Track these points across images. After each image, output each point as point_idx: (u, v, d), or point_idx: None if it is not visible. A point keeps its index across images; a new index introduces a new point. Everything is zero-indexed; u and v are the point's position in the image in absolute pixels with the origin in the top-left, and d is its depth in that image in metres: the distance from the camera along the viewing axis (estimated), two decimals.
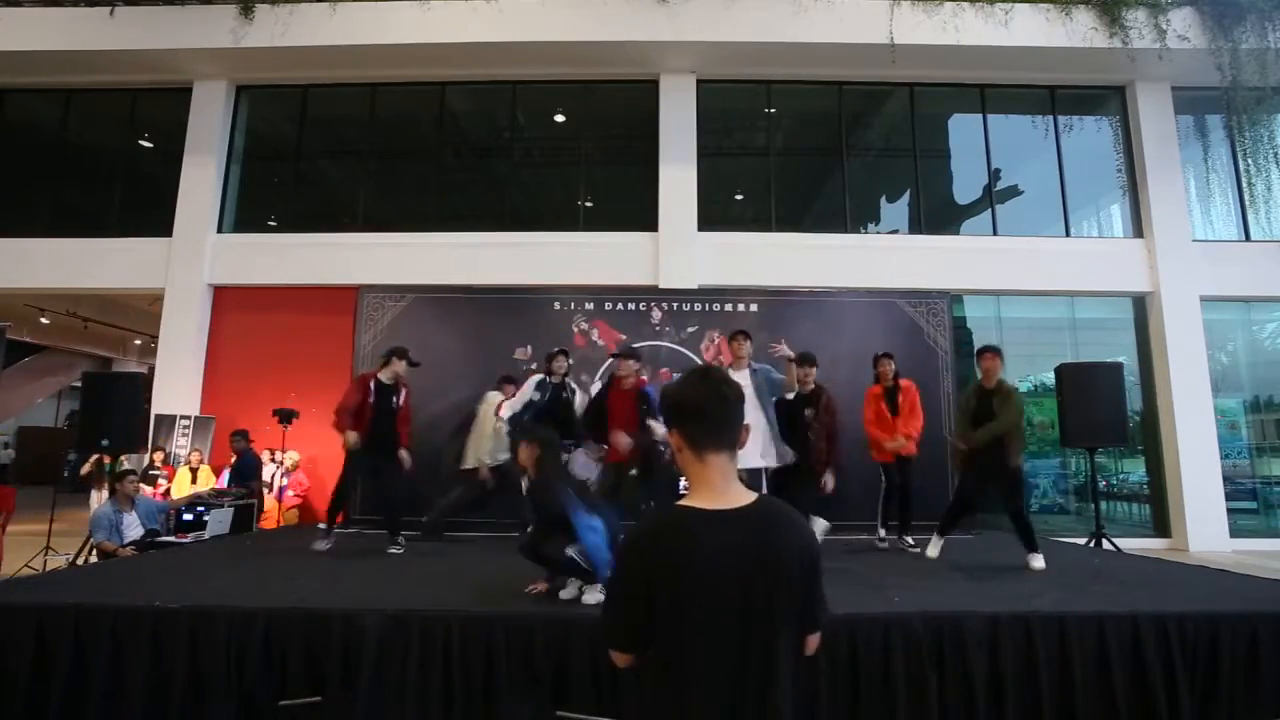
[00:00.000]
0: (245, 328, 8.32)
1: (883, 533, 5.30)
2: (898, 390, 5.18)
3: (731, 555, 1.14)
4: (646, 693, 1.18)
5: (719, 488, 1.20)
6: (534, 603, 3.07)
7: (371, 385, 4.81)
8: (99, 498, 6.89)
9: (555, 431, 3.60)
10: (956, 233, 8.89)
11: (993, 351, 4.60)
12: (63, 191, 9.08)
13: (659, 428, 4.47)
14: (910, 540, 5.09)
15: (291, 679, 2.67)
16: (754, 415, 4.78)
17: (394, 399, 4.88)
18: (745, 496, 1.21)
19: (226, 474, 7.09)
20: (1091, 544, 6.09)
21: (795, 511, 1.23)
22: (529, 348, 6.74)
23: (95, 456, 7.21)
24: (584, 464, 5.22)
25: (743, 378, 4.76)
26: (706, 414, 1.22)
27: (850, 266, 8.12)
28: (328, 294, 7.99)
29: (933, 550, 4.69)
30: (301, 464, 7.68)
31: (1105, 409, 6.35)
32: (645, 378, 5.05)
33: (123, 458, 6.56)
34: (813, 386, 4.92)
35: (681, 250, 8.15)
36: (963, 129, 9.02)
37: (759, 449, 4.69)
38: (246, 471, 6.95)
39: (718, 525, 1.16)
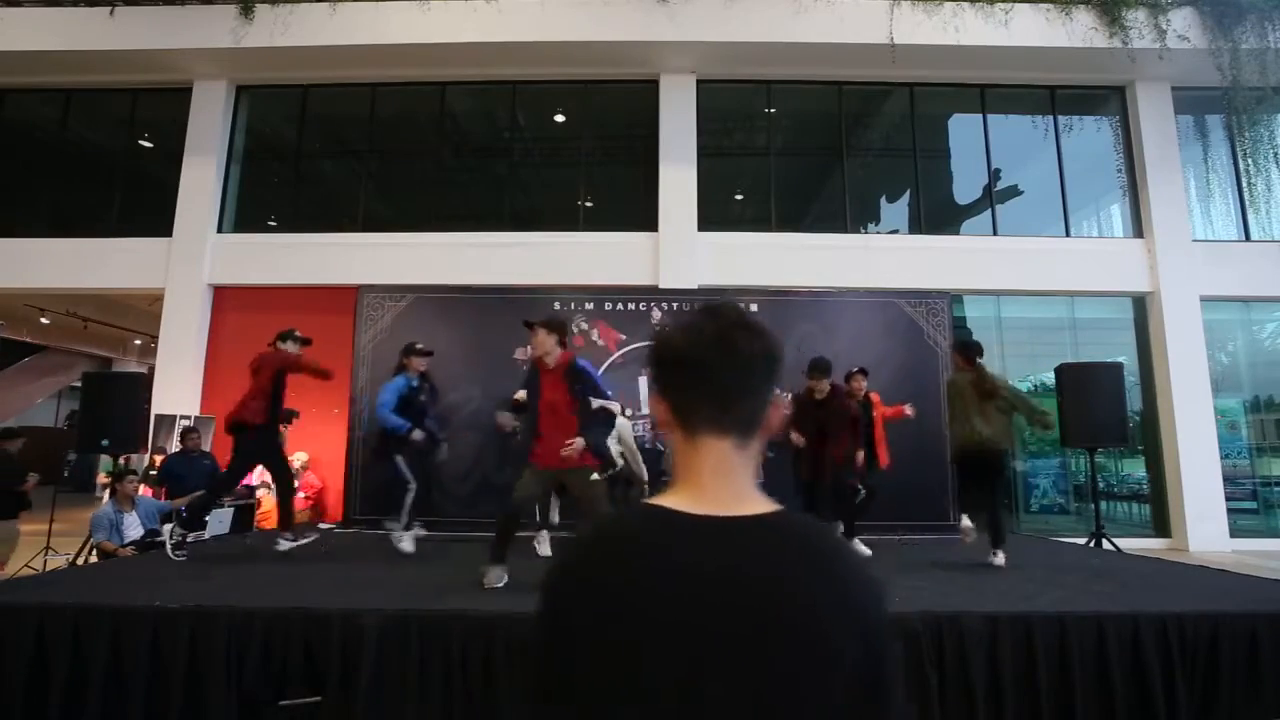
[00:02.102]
0: (245, 328, 8.31)
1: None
2: (870, 405, 5.24)
3: (718, 590, 0.66)
4: None
5: (709, 487, 0.74)
6: (534, 602, 3.07)
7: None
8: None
9: None
10: (956, 233, 8.89)
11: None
12: (63, 191, 9.08)
13: (611, 405, 4.10)
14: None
15: (291, 679, 2.67)
16: None
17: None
18: (755, 503, 0.73)
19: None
20: (1091, 544, 6.09)
21: (845, 542, 0.78)
22: (529, 348, 6.74)
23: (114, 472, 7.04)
24: None
25: None
26: (705, 372, 0.75)
27: (850, 266, 8.11)
28: (328, 294, 7.99)
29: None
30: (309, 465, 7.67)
31: (1105, 409, 6.35)
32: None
33: (128, 459, 6.53)
34: (826, 393, 4.72)
35: (681, 250, 8.14)
36: (963, 129, 9.02)
37: None
38: (192, 475, 6.19)
39: (702, 540, 0.69)
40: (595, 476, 3.79)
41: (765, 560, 0.68)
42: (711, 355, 0.75)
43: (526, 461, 3.82)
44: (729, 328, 0.75)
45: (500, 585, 3.54)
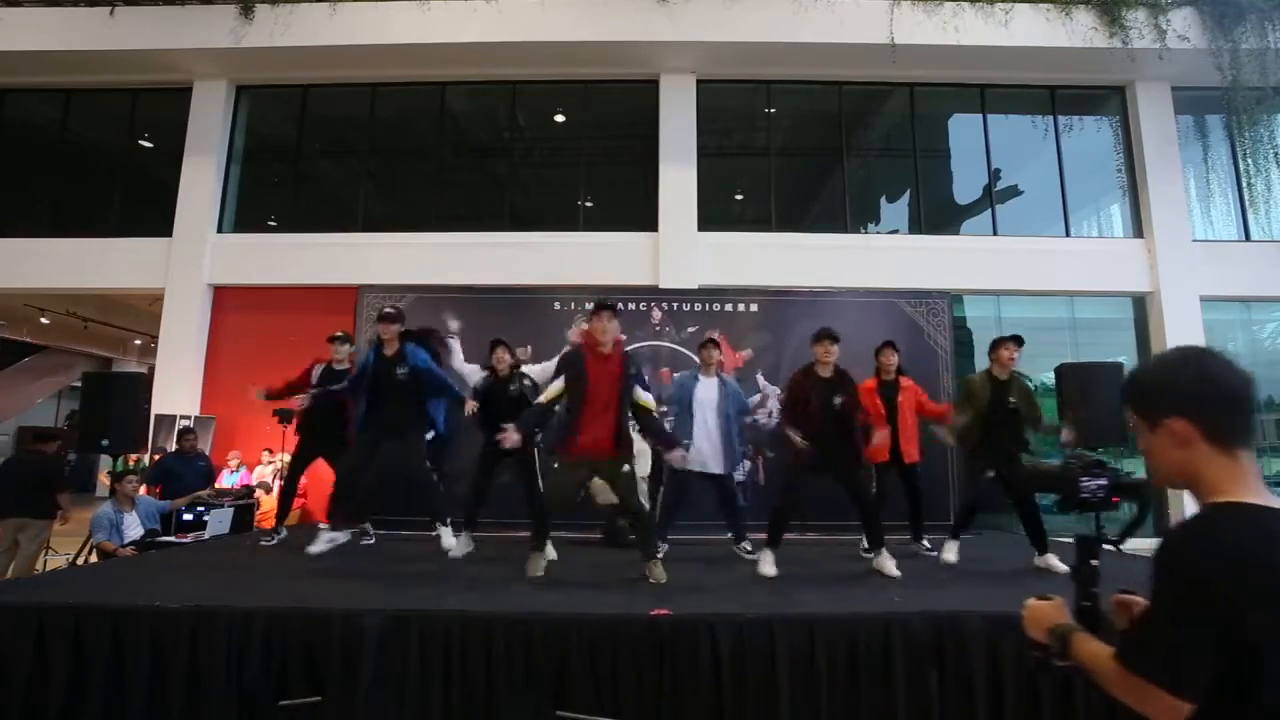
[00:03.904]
0: (245, 328, 8.31)
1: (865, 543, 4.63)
2: (897, 388, 5.08)
3: None
4: None
5: (1255, 488, 1.00)
6: (533, 602, 3.08)
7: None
8: None
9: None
10: (956, 233, 8.88)
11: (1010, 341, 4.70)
12: (63, 191, 9.08)
13: (645, 397, 3.74)
14: (926, 543, 5.00)
15: (291, 679, 2.67)
16: (715, 423, 4.50)
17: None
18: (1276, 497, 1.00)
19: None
20: None
21: None
22: (529, 348, 6.74)
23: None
24: None
25: (711, 386, 4.57)
26: (1245, 402, 1.02)
27: (850, 266, 8.11)
28: (328, 294, 7.98)
29: (949, 554, 4.48)
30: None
31: (1105, 409, 6.35)
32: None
33: (136, 459, 6.52)
34: (833, 369, 4.16)
35: (681, 250, 8.14)
36: (963, 129, 9.02)
37: (719, 455, 4.49)
38: (188, 475, 6.27)
39: None
40: (626, 468, 3.72)
41: None
42: (1247, 391, 1.03)
43: (558, 455, 3.74)
44: (1240, 366, 1.04)
45: (541, 575, 3.54)
